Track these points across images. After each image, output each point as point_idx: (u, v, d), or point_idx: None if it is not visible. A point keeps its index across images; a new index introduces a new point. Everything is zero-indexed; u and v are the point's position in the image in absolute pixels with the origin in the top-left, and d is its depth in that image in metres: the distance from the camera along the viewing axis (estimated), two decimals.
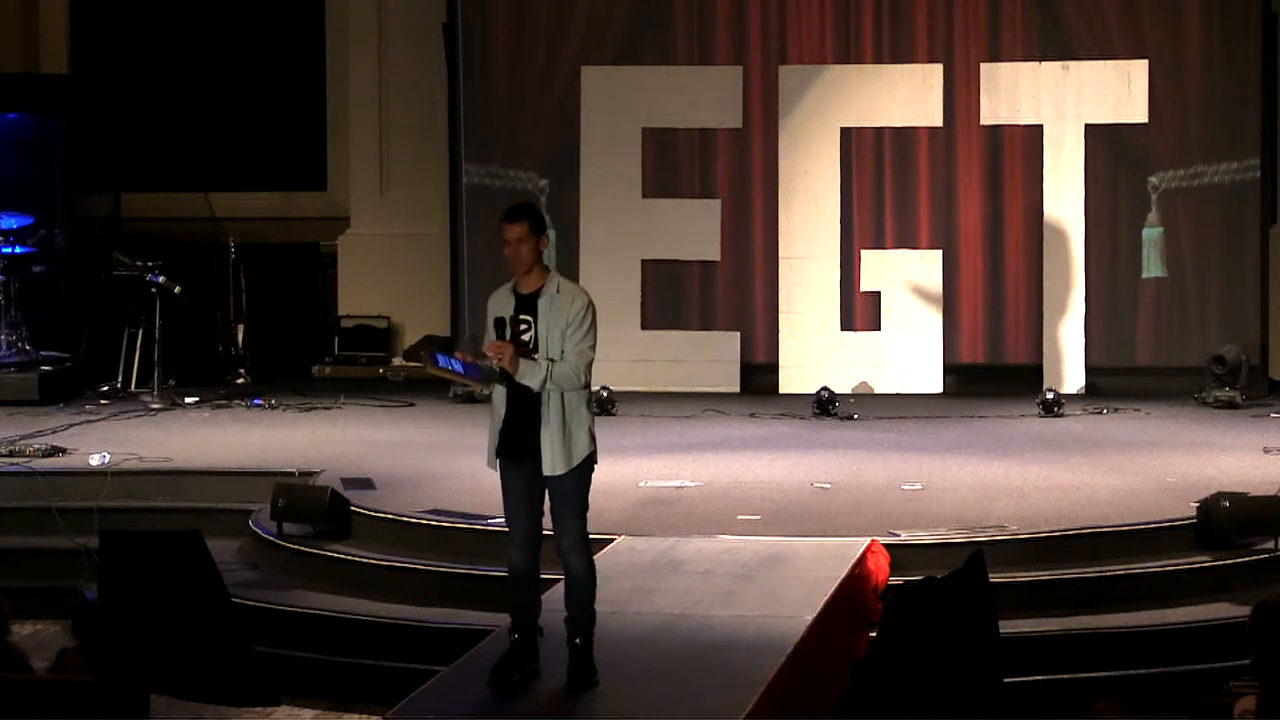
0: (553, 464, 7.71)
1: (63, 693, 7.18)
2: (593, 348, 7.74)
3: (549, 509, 7.86)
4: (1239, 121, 15.09)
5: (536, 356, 7.67)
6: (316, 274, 17.24)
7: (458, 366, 7.73)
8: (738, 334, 15.51)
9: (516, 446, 7.76)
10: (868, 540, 9.55)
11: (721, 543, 9.85)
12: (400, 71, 16.70)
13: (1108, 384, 15.09)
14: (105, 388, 15.04)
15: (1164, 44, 15.18)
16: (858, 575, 9.22)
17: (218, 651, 7.81)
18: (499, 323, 7.78)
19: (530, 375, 7.67)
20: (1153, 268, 15.25)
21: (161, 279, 14.81)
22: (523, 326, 7.73)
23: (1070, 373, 15.08)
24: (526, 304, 7.75)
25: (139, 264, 15.00)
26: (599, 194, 15.58)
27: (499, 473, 7.87)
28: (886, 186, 15.41)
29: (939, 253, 15.29)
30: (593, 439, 7.81)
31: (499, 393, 7.82)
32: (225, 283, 16.36)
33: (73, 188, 16.67)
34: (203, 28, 17.60)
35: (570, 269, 15.02)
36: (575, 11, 15.74)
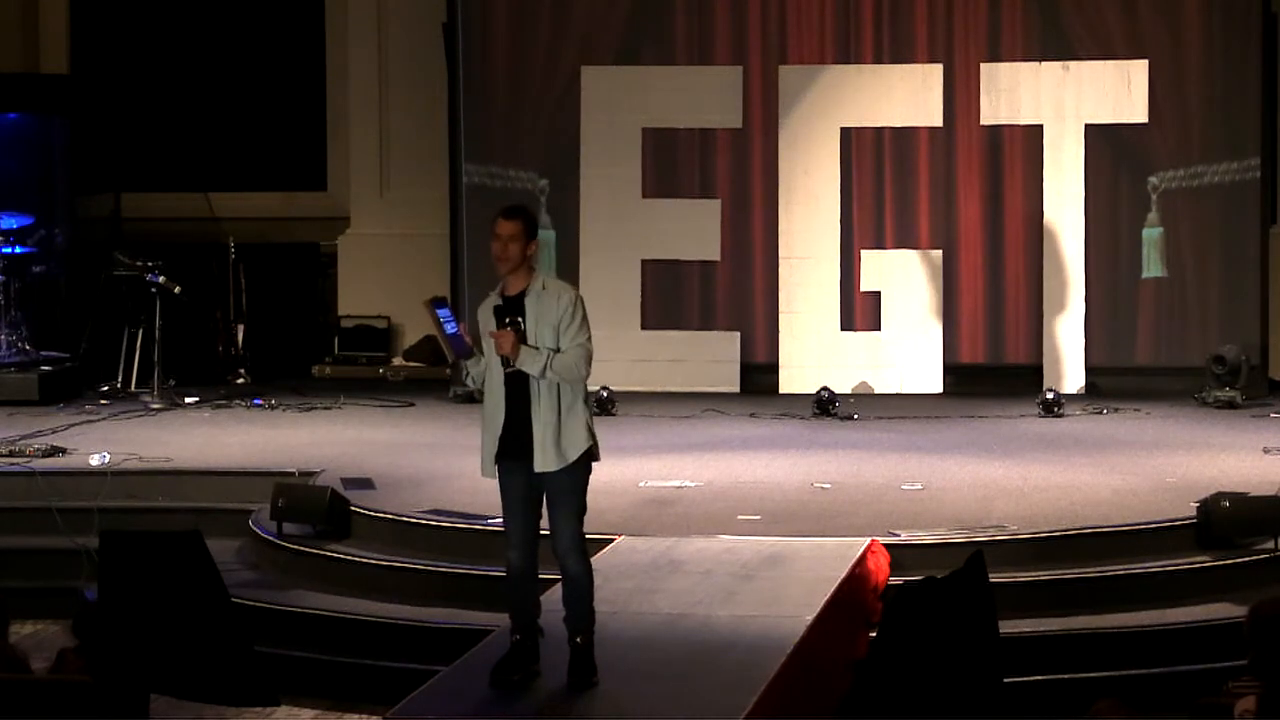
0: (544, 461, 7.70)
1: (63, 693, 7.18)
2: (589, 339, 7.74)
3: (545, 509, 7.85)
4: (1239, 121, 15.09)
5: (537, 346, 7.68)
6: (316, 274, 17.25)
7: (450, 327, 7.73)
8: (738, 334, 15.50)
9: (515, 447, 7.75)
10: (868, 540, 9.55)
11: (721, 543, 9.85)
12: (400, 71, 16.70)
13: (1108, 384, 15.09)
14: (105, 388, 15.04)
15: (1164, 44, 15.18)
16: (858, 575, 9.22)
17: (218, 651, 7.81)
18: (497, 311, 7.74)
19: (531, 362, 7.66)
20: (1153, 268, 15.24)
21: (161, 279, 14.81)
22: (510, 327, 7.73)
23: (1070, 373, 15.07)
24: (514, 305, 7.76)
25: (139, 264, 15.00)
26: (599, 194, 15.57)
27: (498, 475, 7.85)
28: (886, 186, 15.41)
29: (939, 253, 15.29)
30: (591, 435, 7.79)
31: (494, 396, 7.80)
32: (225, 283, 16.36)
33: (73, 188, 16.69)
34: (203, 28, 17.61)
35: (570, 269, 15.03)
36: (575, 11, 15.73)
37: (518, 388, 7.73)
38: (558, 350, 7.68)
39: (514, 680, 7.73)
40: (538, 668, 7.81)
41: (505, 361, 7.72)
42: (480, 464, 7.89)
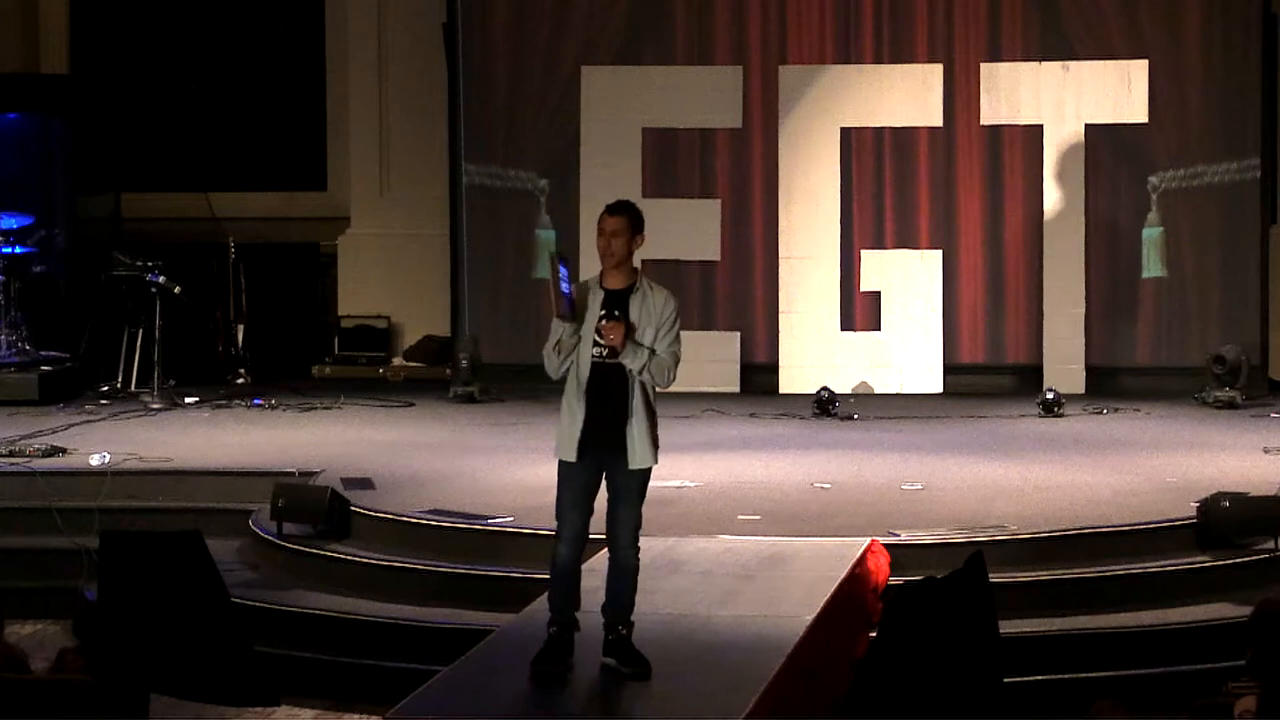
0: (640, 458, 7.76)
1: (63, 693, 7.18)
2: (680, 349, 7.84)
3: (607, 504, 7.83)
4: (1239, 121, 15.10)
5: (643, 343, 7.71)
6: (316, 274, 17.25)
7: (565, 287, 7.71)
8: (738, 334, 15.50)
9: (592, 439, 7.75)
10: (868, 540, 9.55)
11: (721, 543, 9.85)
12: (400, 71, 16.70)
13: (1108, 384, 15.09)
14: (105, 388, 15.04)
15: (1164, 44, 15.18)
16: (858, 575, 9.22)
17: (218, 651, 7.80)
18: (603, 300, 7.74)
19: (633, 358, 7.72)
20: (1153, 268, 15.25)
21: (161, 279, 14.81)
22: (613, 319, 7.74)
23: (1070, 373, 15.06)
24: (616, 300, 7.78)
25: (139, 264, 15.00)
26: (599, 194, 15.48)
27: (562, 466, 7.81)
28: (886, 186, 15.41)
29: (939, 253, 15.30)
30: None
31: (576, 385, 7.77)
32: (225, 283, 16.37)
33: (73, 188, 16.68)
34: (203, 28, 17.60)
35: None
36: (575, 11, 15.74)
37: (603, 379, 7.74)
38: (652, 350, 7.73)
39: (555, 672, 7.71)
40: (572, 663, 7.79)
41: (598, 354, 7.70)
42: (558, 445, 7.80)
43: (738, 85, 15.50)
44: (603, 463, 7.78)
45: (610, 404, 7.75)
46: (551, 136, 15.77)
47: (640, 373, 7.74)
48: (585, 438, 7.75)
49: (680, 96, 15.53)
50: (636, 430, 7.76)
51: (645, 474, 7.84)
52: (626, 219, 7.81)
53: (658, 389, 7.88)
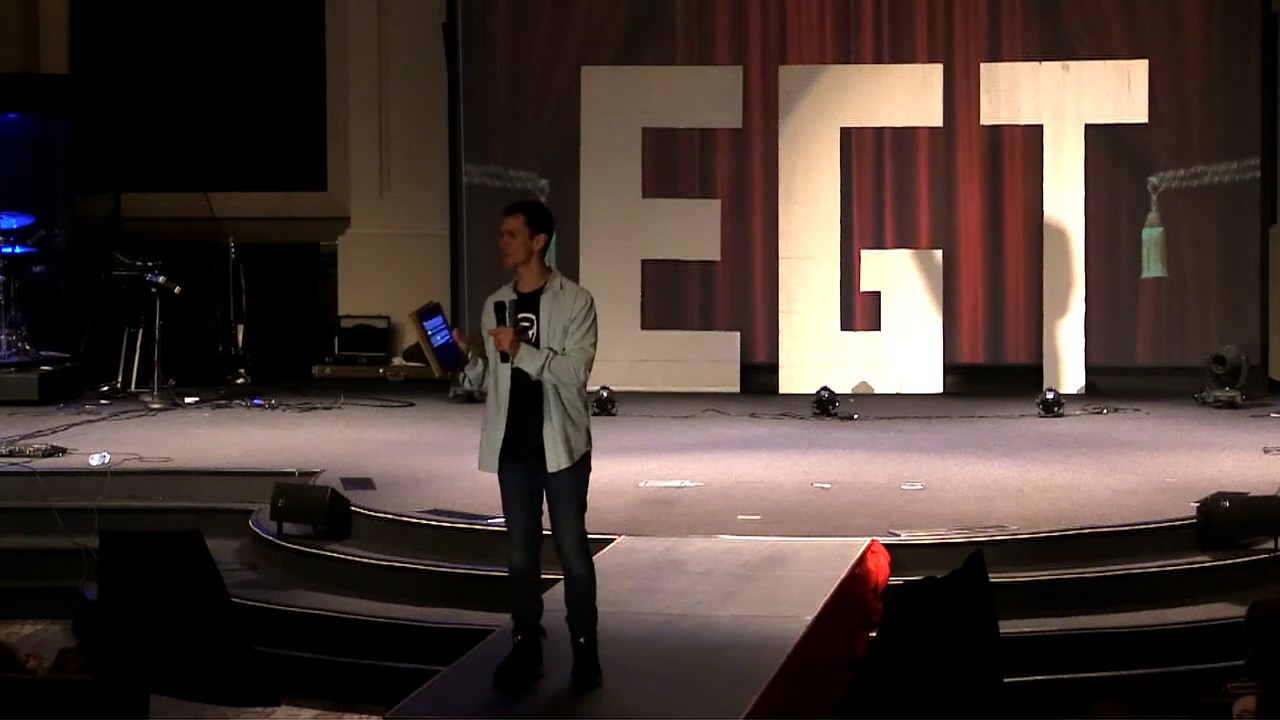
0: (557, 460, 7.67)
1: (63, 693, 7.18)
2: (594, 345, 7.70)
3: (546, 509, 7.85)
4: (1239, 121, 15.10)
5: (540, 346, 7.66)
6: (316, 274, 17.25)
7: (440, 338, 7.71)
8: (738, 334, 15.51)
9: (519, 446, 7.73)
10: (868, 540, 9.55)
11: (721, 543, 9.85)
12: (400, 71, 16.70)
13: (1108, 384, 15.09)
14: (105, 388, 15.04)
15: (1164, 44, 15.19)
16: (858, 575, 9.22)
17: (218, 651, 7.81)
18: (499, 307, 7.70)
19: (529, 361, 7.64)
20: (1153, 268, 15.25)
21: (161, 279, 14.82)
22: (524, 324, 7.71)
23: (1070, 373, 15.07)
24: (528, 302, 7.73)
25: (139, 264, 15.01)
26: (599, 194, 15.57)
27: (498, 474, 7.84)
28: (886, 186, 15.41)
29: (939, 253, 15.30)
30: (589, 437, 7.81)
31: (498, 393, 7.80)
32: (225, 283, 16.37)
33: (73, 188, 16.68)
34: (203, 28, 17.60)
35: (570, 269, 15.01)
36: (575, 11, 15.74)
37: (524, 386, 7.71)
38: (562, 350, 7.67)
39: (518, 681, 7.73)
40: (540, 668, 7.81)
41: (505, 357, 7.70)
42: (479, 458, 7.86)
43: (738, 85, 15.50)
44: (534, 469, 7.73)
45: (531, 410, 7.68)
46: (551, 136, 15.78)
47: (540, 374, 7.66)
48: (508, 447, 7.70)
49: (680, 96, 15.53)
50: (550, 433, 7.66)
51: (571, 476, 7.71)
52: (523, 218, 7.71)
53: (574, 389, 7.70)
